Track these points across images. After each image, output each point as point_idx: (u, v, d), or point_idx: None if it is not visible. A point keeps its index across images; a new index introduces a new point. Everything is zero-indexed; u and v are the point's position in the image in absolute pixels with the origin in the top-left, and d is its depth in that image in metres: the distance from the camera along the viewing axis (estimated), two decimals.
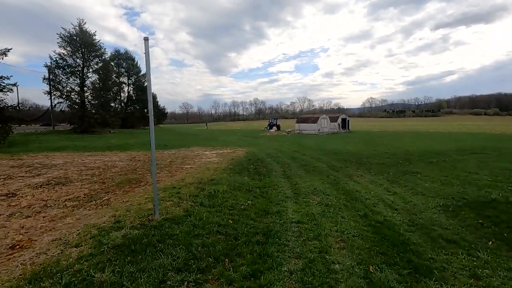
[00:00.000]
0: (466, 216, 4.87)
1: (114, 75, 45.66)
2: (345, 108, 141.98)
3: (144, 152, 14.84)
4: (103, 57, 35.74)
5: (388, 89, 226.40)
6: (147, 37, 4.17)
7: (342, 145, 17.97)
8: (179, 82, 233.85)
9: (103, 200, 5.75)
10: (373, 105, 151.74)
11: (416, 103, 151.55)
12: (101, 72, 36.50)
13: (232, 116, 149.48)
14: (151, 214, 4.54)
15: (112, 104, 44.88)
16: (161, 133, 35.83)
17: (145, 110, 53.35)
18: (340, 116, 38.49)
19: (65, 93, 32.66)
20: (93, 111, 34.27)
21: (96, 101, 36.04)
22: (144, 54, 4.21)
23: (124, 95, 48.73)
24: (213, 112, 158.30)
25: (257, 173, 8.60)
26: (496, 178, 7.74)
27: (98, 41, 34.47)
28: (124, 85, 48.09)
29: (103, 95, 37.17)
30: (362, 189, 6.70)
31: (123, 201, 5.56)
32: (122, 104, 48.25)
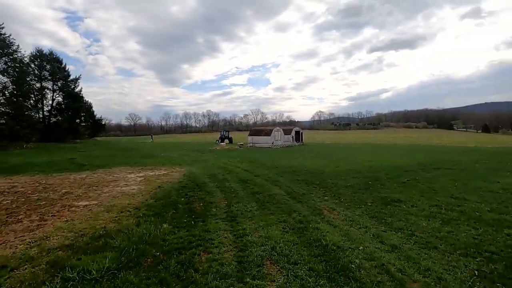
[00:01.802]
0: None
1: (35, 78, 38.31)
2: (296, 120, 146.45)
3: (44, 176, 10.81)
4: (15, 56, 29.20)
5: (334, 104, 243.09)
6: None
7: (299, 161, 16.04)
8: (127, 92, 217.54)
9: None
10: (322, 118, 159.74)
11: (359, 117, 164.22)
12: (14, 74, 29.83)
13: (184, 128, 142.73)
14: None
15: (33, 114, 37.37)
16: (91, 148, 30.20)
17: (77, 121, 46.19)
18: (294, 128, 37.53)
19: None
20: None
21: (6, 109, 29.16)
22: None
23: (47, 102, 41.06)
24: (163, 123, 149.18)
25: (188, 213, 5.75)
26: (493, 207, 6.18)
27: (8, 36, 28.10)
28: (47, 91, 40.52)
29: (16, 101, 30.31)
30: (343, 240, 4.33)
31: None
32: (45, 113, 40.49)
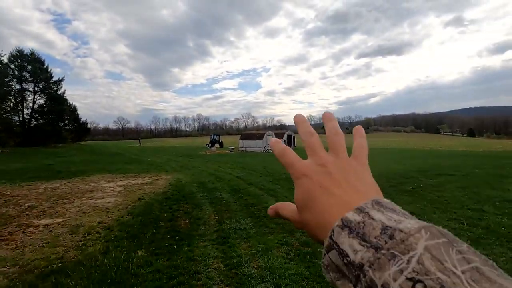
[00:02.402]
0: None
1: (14, 79, 36.45)
2: (287, 124, 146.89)
3: (10, 186, 9.63)
4: None
5: (323, 108, 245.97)
6: None
7: None
8: (116, 95, 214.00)
9: None
10: (312, 122, 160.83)
11: (349, 121, 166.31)
12: None
13: (174, 132, 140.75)
14: None
15: (11, 117, 35.42)
16: (73, 153, 28.58)
17: (60, 124, 44.17)
18: (286, 132, 36.87)
19: None
20: None
21: None
22: None
23: (28, 104, 39.09)
24: (152, 127, 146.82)
25: (171, 233, 4.81)
26: None
27: None
28: (28, 92, 38.63)
29: None
30: None
31: None
32: (25, 115, 38.50)
